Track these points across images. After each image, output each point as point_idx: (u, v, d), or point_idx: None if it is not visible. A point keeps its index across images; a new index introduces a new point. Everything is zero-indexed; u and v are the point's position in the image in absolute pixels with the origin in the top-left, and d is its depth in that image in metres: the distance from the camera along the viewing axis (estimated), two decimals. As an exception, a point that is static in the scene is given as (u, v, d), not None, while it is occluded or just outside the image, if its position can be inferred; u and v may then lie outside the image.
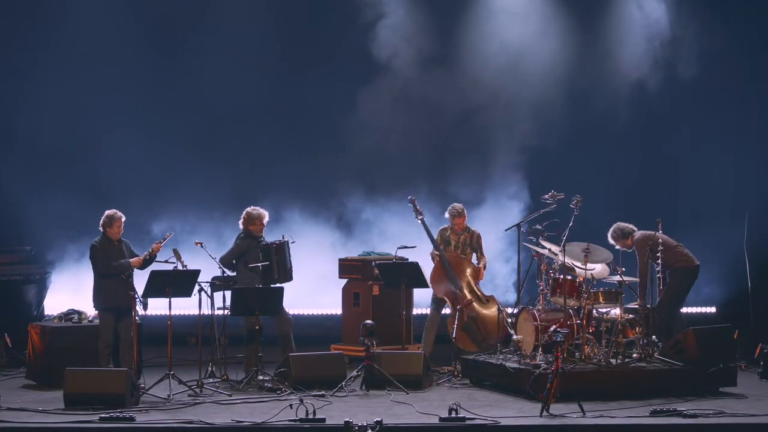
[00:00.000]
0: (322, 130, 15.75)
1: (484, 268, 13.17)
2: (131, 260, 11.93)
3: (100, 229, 12.04)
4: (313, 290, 14.82)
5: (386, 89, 15.50)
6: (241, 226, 12.70)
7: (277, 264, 12.53)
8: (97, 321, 12.61)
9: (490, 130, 15.64)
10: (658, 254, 12.05)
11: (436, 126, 15.71)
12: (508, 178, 15.59)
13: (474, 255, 13.17)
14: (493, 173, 15.68)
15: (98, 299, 12.03)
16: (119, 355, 11.96)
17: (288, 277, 12.66)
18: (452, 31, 15.72)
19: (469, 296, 12.89)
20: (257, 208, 12.72)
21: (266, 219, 12.71)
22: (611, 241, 12.54)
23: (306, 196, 15.57)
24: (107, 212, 12.07)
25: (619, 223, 12.60)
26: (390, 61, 15.51)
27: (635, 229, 12.55)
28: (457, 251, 13.16)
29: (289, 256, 12.69)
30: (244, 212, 12.70)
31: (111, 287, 11.86)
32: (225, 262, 12.49)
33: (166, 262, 11.93)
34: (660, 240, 12.15)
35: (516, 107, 15.60)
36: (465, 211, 13.21)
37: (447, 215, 13.19)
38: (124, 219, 12.05)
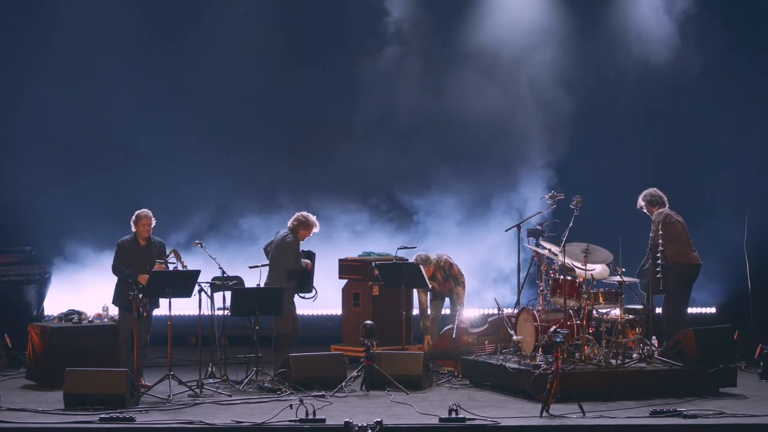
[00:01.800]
0: (332, 119, 15.73)
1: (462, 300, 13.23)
2: (140, 276, 11.86)
3: (132, 228, 12.07)
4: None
5: (394, 73, 15.56)
6: (289, 227, 12.57)
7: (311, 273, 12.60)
8: (97, 321, 12.68)
9: (504, 113, 15.63)
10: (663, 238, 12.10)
11: (447, 109, 15.71)
12: (522, 163, 15.60)
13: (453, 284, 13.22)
14: (508, 158, 15.71)
15: (117, 297, 12.08)
16: (134, 354, 11.93)
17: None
18: (461, 9, 15.75)
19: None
20: (312, 215, 12.61)
21: (316, 229, 12.64)
22: (640, 202, 12.60)
23: (321, 192, 15.55)
24: (137, 211, 12.09)
25: (654, 189, 12.66)
26: (400, 41, 15.55)
27: (666, 203, 12.61)
28: (449, 283, 13.17)
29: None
30: (300, 215, 12.55)
31: (128, 287, 11.85)
32: (296, 266, 12.41)
33: (166, 262, 11.92)
34: (669, 220, 12.20)
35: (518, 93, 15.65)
36: (429, 257, 13.15)
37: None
38: (152, 218, 12.04)
